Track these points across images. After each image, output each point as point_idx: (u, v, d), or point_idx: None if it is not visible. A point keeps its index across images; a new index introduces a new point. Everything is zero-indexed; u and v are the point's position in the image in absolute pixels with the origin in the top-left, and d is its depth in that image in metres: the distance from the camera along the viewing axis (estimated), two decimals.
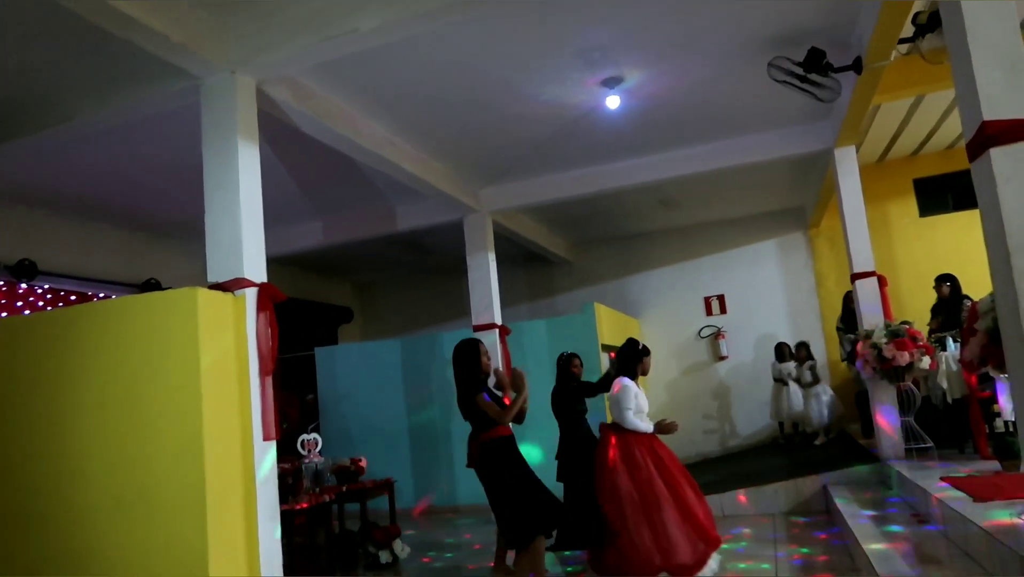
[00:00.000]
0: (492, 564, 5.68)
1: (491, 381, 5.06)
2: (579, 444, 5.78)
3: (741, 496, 7.25)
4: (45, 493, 4.11)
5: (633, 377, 5.40)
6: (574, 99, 6.23)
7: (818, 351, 10.55)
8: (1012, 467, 4.98)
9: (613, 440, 5.27)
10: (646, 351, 5.50)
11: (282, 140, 6.29)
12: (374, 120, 6.29)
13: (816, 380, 9.30)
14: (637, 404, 5.25)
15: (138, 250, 8.74)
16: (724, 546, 5.34)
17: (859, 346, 6.74)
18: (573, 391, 6.00)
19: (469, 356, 4.84)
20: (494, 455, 4.69)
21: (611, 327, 9.78)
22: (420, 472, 9.53)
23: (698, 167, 7.82)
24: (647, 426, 5.25)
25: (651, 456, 5.16)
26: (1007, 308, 3.08)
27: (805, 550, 5.55)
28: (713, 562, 4.93)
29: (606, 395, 5.69)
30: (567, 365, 6.09)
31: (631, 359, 5.48)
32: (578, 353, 6.26)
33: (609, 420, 5.49)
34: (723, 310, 11.27)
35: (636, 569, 4.90)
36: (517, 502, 4.57)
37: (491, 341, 8.32)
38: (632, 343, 5.56)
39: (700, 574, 4.84)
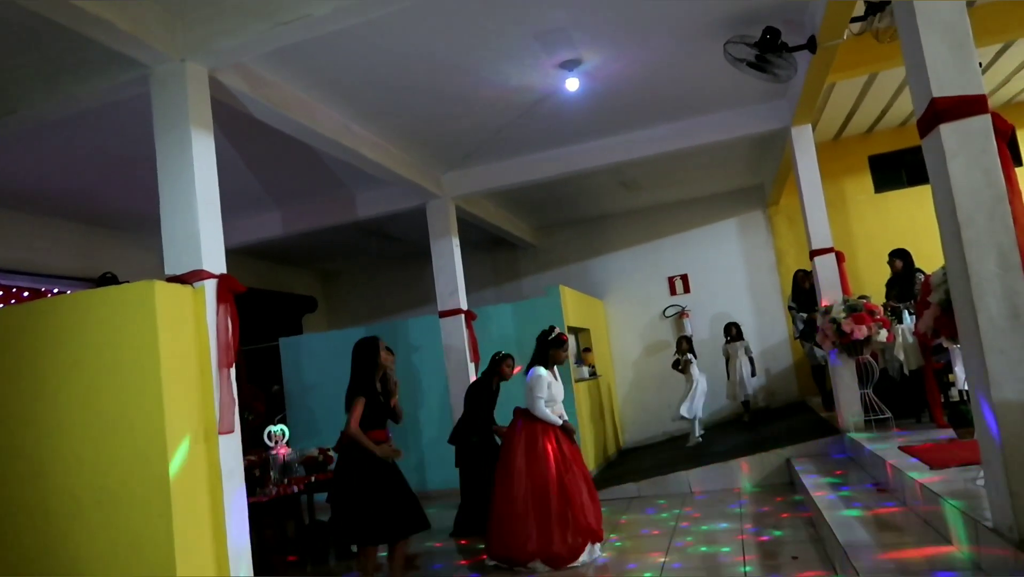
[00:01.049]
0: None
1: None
2: (481, 435, 5.88)
3: (705, 471, 7.37)
4: (3, 495, 4.02)
5: (546, 365, 5.53)
6: (533, 82, 6.21)
7: (779, 327, 10.76)
8: (966, 434, 5.13)
9: (520, 424, 5.45)
10: (558, 343, 5.60)
11: (238, 129, 6.18)
12: (331, 107, 6.20)
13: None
14: (549, 393, 5.42)
15: (93, 244, 8.54)
16: (686, 520, 5.42)
17: (819, 321, 6.87)
18: (492, 392, 6.13)
19: (368, 354, 4.87)
20: (349, 454, 4.72)
21: (577, 309, 9.82)
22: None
23: (658, 148, 7.86)
24: (555, 418, 5.42)
25: (552, 446, 5.32)
26: (958, 280, 3.16)
27: (767, 520, 5.67)
28: (585, 554, 5.16)
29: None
30: (499, 364, 6.19)
31: (543, 347, 5.60)
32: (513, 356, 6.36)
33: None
34: (687, 289, 11.39)
35: (512, 551, 5.16)
36: (351, 506, 4.63)
37: (458, 327, 8.32)
38: (545, 333, 5.70)
39: (571, 564, 5.10)
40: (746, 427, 9.52)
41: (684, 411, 9.08)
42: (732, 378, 9.83)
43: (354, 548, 5.00)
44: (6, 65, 4.63)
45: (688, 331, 11.12)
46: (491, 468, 5.72)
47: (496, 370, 6.38)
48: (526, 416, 5.47)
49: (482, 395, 6.55)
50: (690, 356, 9.43)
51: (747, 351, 9.77)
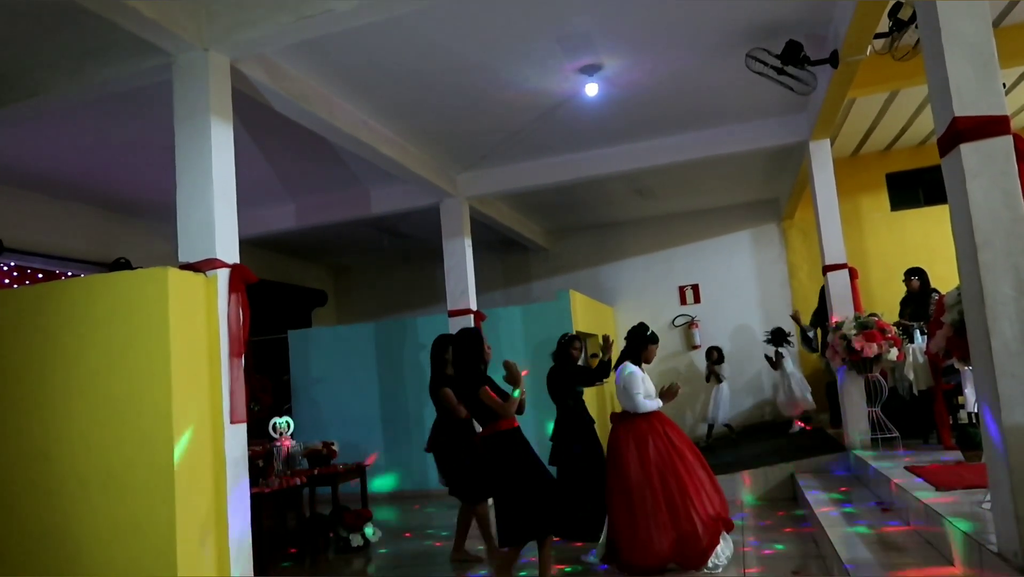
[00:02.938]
0: (454, 547, 5.72)
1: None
2: (577, 427, 5.58)
3: None
4: (10, 475, 4.05)
5: (637, 363, 5.34)
6: (553, 85, 6.21)
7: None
8: (974, 457, 5.09)
9: (621, 430, 5.17)
10: (654, 338, 5.41)
11: (256, 120, 6.21)
12: (350, 102, 6.23)
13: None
14: (645, 389, 5.21)
15: (108, 229, 8.60)
16: None
17: (830, 337, 6.84)
18: (571, 374, 5.89)
19: (473, 346, 4.61)
20: (498, 449, 4.43)
21: (586, 315, 9.82)
22: (392, 456, 9.53)
23: (674, 157, 7.85)
24: (658, 402, 5.19)
25: (662, 442, 5.04)
26: (973, 301, 3.14)
27: (769, 533, 5.64)
28: (722, 550, 4.85)
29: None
30: (567, 347, 6.03)
31: (638, 344, 5.38)
32: (578, 336, 6.21)
33: (618, 409, 5.37)
34: (697, 299, 11.36)
35: (648, 559, 4.80)
36: (518, 500, 4.32)
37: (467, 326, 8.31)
38: (642, 327, 5.45)
39: (712, 562, 4.78)
40: (751, 438, 9.45)
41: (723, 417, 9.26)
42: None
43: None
44: (31, 48, 4.68)
45: (697, 341, 11.10)
46: (596, 468, 5.38)
47: (567, 352, 6.07)
48: (623, 418, 5.21)
49: (567, 381, 5.85)
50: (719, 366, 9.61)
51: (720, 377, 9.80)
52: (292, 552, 6.42)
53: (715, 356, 9.94)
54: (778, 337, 9.47)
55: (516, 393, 4.44)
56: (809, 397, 9.07)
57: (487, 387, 4.45)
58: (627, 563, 4.89)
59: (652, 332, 5.44)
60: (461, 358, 4.64)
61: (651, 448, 5.00)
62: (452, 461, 5.69)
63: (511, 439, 4.46)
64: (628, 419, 5.18)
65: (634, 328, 5.49)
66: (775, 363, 9.36)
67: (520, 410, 4.56)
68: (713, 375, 9.87)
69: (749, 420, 10.62)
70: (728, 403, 9.76)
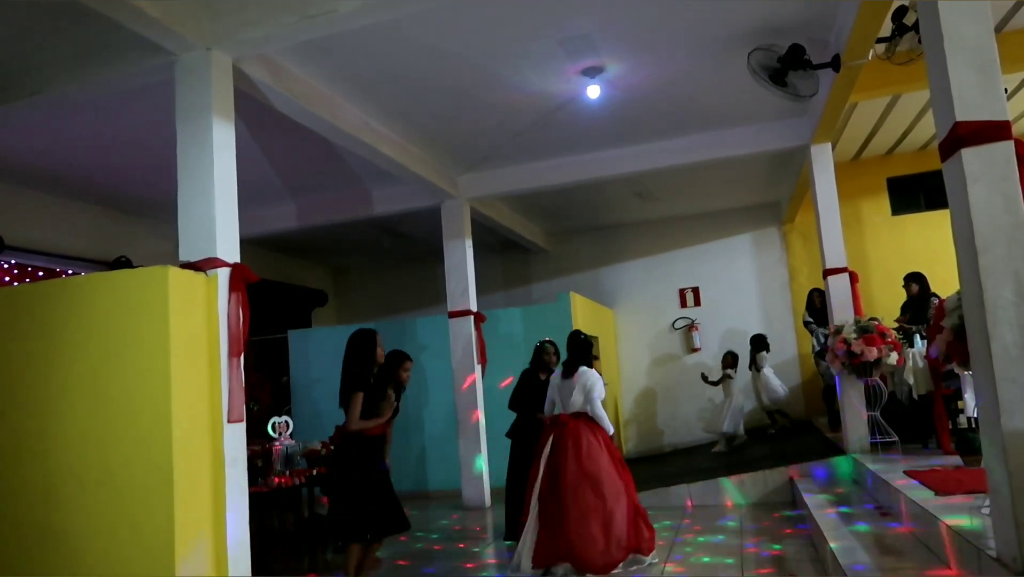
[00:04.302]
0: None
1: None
2: (532, 438, 5.58)
3: (706, 486, 7.33)
4: (7, 473, 4.05)
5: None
6: (555, 88, 6.22)
7: (789, 345, 10.70)
8: (973, 462, 5.09)
9: (570, 426, 5.11)
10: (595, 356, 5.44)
11: (258, 120, 6.21)
12: (352, 103, 6.23)
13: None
14: (603, 397, 5.22)
15: (109, 227, 8.60)
16: (687, 533, 5.38)
17: (830, 341, 6.83)
18: (535, 388, 5.93)
19: (364, 348, 4.86)
20: (348, 449, 4.73)
21: (586, 317, 9.81)
22: (391, 456, 9.50)
23: (675, 160, 7.85)
24: (610, 426, 5.17)
25: (610, 450, 5.10)
26: (973, 306, 3.14)
27: (769, 540, 5.64)
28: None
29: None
30: (540, 353, 6.04)
31: (587, 350, 5.36)
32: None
33: (570, 411, 5.18)
34: (697, 302, 11.35)
35: (587, 558, 4.78)
36: (350, 502, 4.61)
37: (467, 328, 8.32)
38: (585, 336, 5.45)
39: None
40: (750, 442, 9.44)
41: (730, 428, 9.14)
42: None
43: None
44: (33, 46, 4.68)
45: (696, 344, 11.09)
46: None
47: (541, 359, 6.13)
48: (583, 418, 5.12)
49: (534, 394, 6.00)
50: (730, 372, 9.38)
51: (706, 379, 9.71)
52: (291, 552, 6.42)
53: (729, 360, 9.60)
54: (758, 344, 9.57)
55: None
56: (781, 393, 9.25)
57: (362, 393, 4.72)
58: (565, 558, 4.84)
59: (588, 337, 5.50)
60: (352, 357, 4.89)
61: (596, 447, 5.03)
62: None
63: (367, 444, 4.74)
64: (583, 420, 5.12)
65: (579, 335, 5.48)
66: (719, 380, 9.40)
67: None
68: (726, 379, 9.51)
69: (748, 423, 10.59)
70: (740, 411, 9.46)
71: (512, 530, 5.69)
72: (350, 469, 4.67)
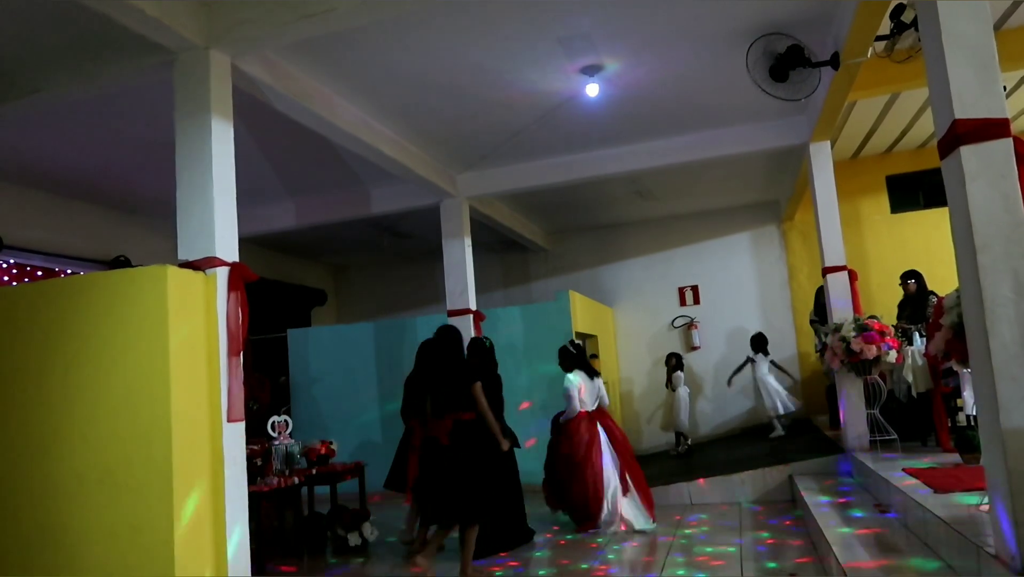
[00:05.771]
0: (415, 544, 5.78)
1: None
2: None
3: (707, 484, 7.34)
4: (7, 473, 4.05)
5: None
6: (554, 86, 6.21)
7: (789, 343, 10.70)
8: (972, 460, 5.09)
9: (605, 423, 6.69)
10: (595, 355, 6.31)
11: (256, 118, 6.20)
12: (351, 102, 6.22)
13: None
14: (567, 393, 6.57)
15: (108, 226, 8.59)
16: (687, 531, 5.40)
17: (829, 339, 6.83)
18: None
19: (460, 341, 5.48)
20: (471, 434, 5.17)
21: (586, 315, 9.81)
22: (391, 456, 9.49)
23: (675, 158, 7.84)
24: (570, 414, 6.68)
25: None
26: (972, 304, 3.14)
27: (766, 534, 5.65)
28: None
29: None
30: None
31: (567, 357, 6.81)
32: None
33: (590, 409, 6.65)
34: (696, 301, 11.36)
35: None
36: (482, 482, 5.12)
37: (465, 327, 8.31)
38: (578, 346, 6.82)
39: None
40: (750, 440, 9.45)
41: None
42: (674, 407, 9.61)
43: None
44: (32, 45, 4.68)
45: (696, 342, 11.10)
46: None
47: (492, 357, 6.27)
48: (601, 415, 6.80)
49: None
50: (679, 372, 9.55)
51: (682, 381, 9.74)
52: (290, 552, 6.41)
53: (672, 362, 9.71)
54: (758, 344, 9.59)
55: None
56: (781, 401, 9.21)
57: (480, 383, 5.33)
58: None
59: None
60: (458, 350, 5.54)
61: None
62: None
63: (483, 427, 5.35)
64: (600, 417, 6.71)
65: (574, 345, 6.94)
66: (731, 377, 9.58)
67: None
68: (670, 383, 9.66)
69: (748, 422, 10.62)
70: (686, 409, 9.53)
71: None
72: (479, 455, 5.18)
